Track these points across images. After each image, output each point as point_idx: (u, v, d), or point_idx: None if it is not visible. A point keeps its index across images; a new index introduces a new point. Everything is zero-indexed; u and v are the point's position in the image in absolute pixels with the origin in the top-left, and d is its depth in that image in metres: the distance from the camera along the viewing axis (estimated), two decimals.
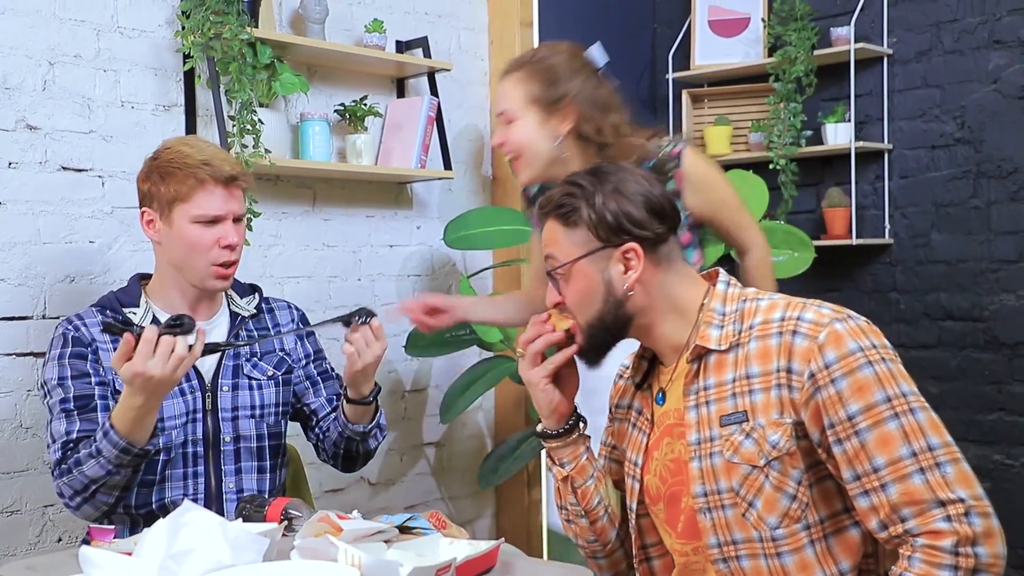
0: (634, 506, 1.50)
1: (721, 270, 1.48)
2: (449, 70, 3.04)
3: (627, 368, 1.60)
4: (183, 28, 2.46)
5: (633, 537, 1.52)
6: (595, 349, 1.47)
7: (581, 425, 1.53)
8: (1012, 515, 3.07)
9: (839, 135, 3.23)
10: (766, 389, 1.34)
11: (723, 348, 1.38)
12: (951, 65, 3.12)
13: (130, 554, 1.34)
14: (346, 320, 1.78)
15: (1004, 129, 3.02)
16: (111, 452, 1.64)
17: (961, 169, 3.11)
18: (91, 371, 1.79)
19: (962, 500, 1.25)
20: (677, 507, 1.44)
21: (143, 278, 1.92)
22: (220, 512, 1.82)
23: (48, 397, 1.79)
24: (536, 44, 3.33)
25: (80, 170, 2.39)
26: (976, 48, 3.06)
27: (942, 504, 1.25)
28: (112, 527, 1.62)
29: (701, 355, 1.40)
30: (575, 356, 1.49)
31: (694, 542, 1.42)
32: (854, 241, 3.19)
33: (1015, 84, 3.00)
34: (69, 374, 1.78)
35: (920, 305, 3.19)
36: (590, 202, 1.41)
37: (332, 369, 2.05)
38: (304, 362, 2.00)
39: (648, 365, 1.52)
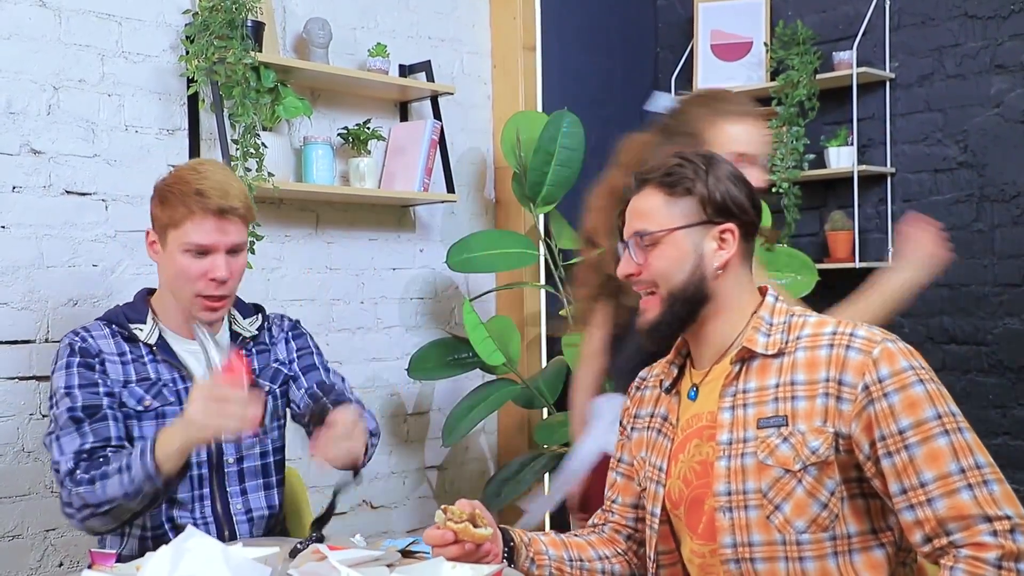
0: (656, 511, 1.51)
1: (770, 286, 1.52)
2: (452, 94, 3.06)
3: (643, 380, 1.63)
4: (187, 53, 2.48)
5: (651, 543, 1.53)
6: (668, 323, 1.46)
7: (513, 551, 1.51)
8: None
9: (842, 158, 3.23)
10: (811, 397, 1.37)
11: (769, 353, 1.41)
12: (953, 89, 3.12)
13: None
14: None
15: (1007, 153, 3.03)
16: (139, 474, 1.61)
17: (964, 193, 3.11)
18: (99, 381, 1.77)
19: (1008, 517, 1.27)
20: (700, 509, 1.45)
21: (149, 293, 1.91)
22: (232, 533, 1.81)
23: (55, 407, 1.76)
24: (539, 68, 3.35)
25: (84, 194, 2.39)
26: (978, 73, 3.07)
27: (988, 520, 1.27)
28: (113, 551, 1.61)
29: (744, 359, 1.43)
30: None
31: (712, 544, 1.43)
32: (857, 264, 3.19)
33: (1017, 108, 3.00)
34: (77, 382, 1.75)
35: (924, 329, 3.19)
36: (704, 178, 1.44)
37: (318, 364, 1.98)
38: (289, 363, 1.97)
39: (678, 372, 1.55)
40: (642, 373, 1.64)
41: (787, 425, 1.37)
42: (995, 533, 1.25)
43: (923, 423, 1.31)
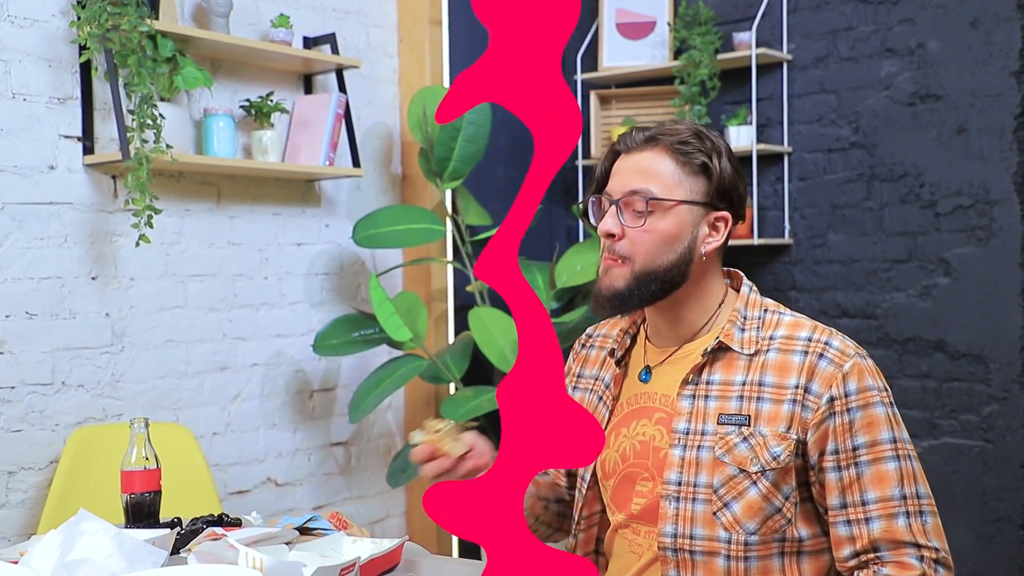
0: (587, 476, 1.50)
1: (743, 274, 1.50)
2: (358, 67, 3.02)
3: (590, 337, 1.58)
4: (79, 19, 2.38)
5: (578, 505, 1.51)
6: (636, 299, 1.39)
7: None
8: None
9: (741, 137, 3.31)
10: (777, 401, 1.36)
11: (746, 352, 1.39)
12: (846, 72, 3.23)
13: (16, 563, 1.30)
14: None
15: (895, 134, 3.15)
16: None
17: (856, 172, 3.23)
18: None
19: (936, 549, 1.33)
20: (629, 488, 1.44)
21: None
22: None
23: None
24: (446, 43, 3.33)
25: None
26: (869, 56, 3.18)
27: (918, 547, 1.32)
28: None
29: (715, 351, 1.41)
30: None
31: (652, 527, 1.41)
32: (756, 241, 3.28)
33: (905, 91, 3.12)
34: None
35: (818, 303, 3.31)
36: (719, 159, 1.39)
37: None
38: None
39: (630, 342, 1.51)
40: (589, 330, 1.59)
41: (748, 425, 1.35)
42: (921, 559, 1.31)
43: (877, 444, 1.34)
